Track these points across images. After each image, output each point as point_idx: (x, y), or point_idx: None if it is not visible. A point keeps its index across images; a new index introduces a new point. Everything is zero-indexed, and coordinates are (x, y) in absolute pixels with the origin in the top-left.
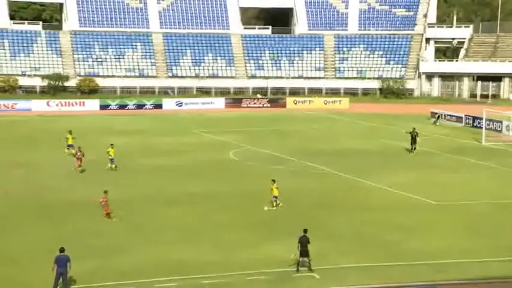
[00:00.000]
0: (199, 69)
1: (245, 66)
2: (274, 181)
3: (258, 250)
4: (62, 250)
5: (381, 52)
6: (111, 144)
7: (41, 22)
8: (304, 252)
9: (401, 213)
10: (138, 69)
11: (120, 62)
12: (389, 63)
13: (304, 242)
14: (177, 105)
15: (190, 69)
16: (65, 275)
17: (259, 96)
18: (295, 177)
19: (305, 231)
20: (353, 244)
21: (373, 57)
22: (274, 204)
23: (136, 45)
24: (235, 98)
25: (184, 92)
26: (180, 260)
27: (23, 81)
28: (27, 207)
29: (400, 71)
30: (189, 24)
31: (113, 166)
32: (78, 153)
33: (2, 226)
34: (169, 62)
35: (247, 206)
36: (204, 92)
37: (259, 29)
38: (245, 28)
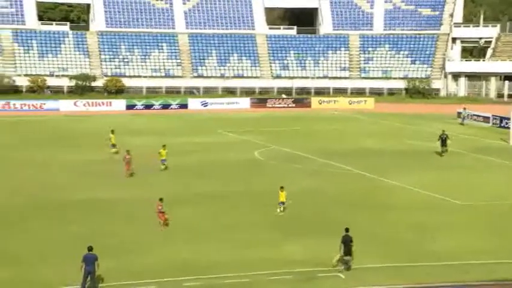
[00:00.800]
0: (224, 70)
1: (270, 66)
2: (282, 188)
3: (280, 249)
4: (90, 249)
5: (406, 52)
6: (164, 146)
7: (68, 23)
8: (347, 251)
9: (425, 213)
10: (164, 69)
11: (146, 62)
12: (415, 63)
13: (347, 241)
14: (202, 105)
15: (215, 69)
16: (92, 273)
17: (284, 96)
18: (319, 176)
19: (347, 230)
20: (377, 244)
21: (399, 57)
22: (281, 209)
23: (162, 46)
24: (260, 98)
25: (209, 92)
26: (200, 259)
27: (50, 82)
28: (42, 206)
29: (426, 70)
30: (215, 25)
31: (164, 167)
32: (127, 157)
33: (17, 226)
34: (195, 62)
35: (271, 205)
36: (229, 92)
37: (284, 29)
38: (270, 28)
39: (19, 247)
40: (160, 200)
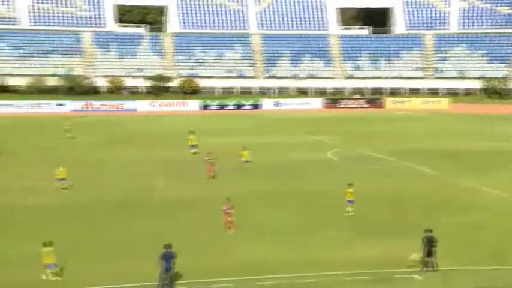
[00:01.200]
0: (296, 70)
1: (343, 66)
2: (350, 185)
3: (353, 249)
4: (167, 246)
5: (482, 51)
6: (244, 147)
7: (144, 25)
8: (430, 252)
9: (503, 215)
10: (237, 70)
11: (219, 63)
12: (491, 63)
13: (430, 242)
14: (275, 105)
15: (288, 70)
16: (170, 271)
17: (357, 96)
18: (393, 177)
19: (430, 230)
20: (455, 246)
21: (475, 57)
22: (350, 209)
23: (235, 47)
24: (333, 98)
25: (281, 92)
26: (271, 259)
27: (128, 82)
28: (120, 204)
29: (503, 70)
30: (287, 25)
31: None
32: (207, 158)
33: (97, 224)
34: (267, 62)
35: (344, 205)
36: (301, 92)
37: (357, 29)
38: (343, 28)
39: (99, 243)
40: (227, 199)
